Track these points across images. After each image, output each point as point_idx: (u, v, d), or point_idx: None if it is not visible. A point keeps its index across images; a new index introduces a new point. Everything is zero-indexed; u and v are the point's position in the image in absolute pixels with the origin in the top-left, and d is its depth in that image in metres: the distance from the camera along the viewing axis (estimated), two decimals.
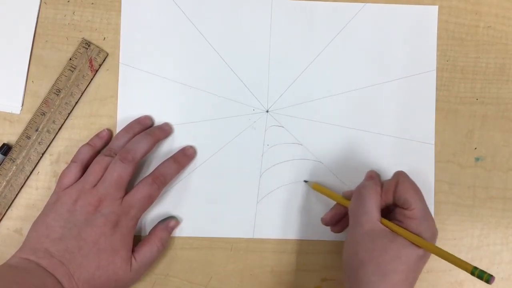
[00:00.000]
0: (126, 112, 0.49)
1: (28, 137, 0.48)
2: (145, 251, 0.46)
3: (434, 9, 0.51)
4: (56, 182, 0.46)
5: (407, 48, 0.51)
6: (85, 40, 0.49)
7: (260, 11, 0.50)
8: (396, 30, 0.51)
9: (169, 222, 0.48)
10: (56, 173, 0.49)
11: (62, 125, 0.49)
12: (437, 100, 0.51)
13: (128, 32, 0.50)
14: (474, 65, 0.51)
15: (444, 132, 0.50)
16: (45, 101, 0.49)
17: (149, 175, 0.46)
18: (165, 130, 0.49)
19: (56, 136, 0.49)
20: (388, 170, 0.49)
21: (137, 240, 0.47)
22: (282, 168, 0.50)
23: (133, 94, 0.50)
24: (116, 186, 0.44)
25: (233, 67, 0.50)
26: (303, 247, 0.49)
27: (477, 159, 0.50)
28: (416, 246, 0.40)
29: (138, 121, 0.49)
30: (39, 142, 0.49)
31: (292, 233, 0.49)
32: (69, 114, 0.49)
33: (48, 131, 0.49)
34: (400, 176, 0.44)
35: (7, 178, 0.48)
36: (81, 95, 0.49)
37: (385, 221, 0.42)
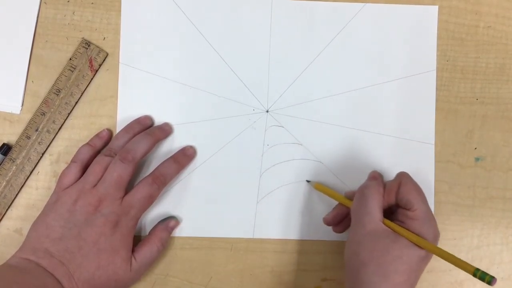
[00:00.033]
0: (126, 112, 0.49)
1: (28, 137, 0.48)
2: (145, 251, 0.46)
3: (434, 9, 0.51)
4: (56, 182, 0.46)
5: (407, 48, 0.51)
6: (85, 40, 0.49)
7: (260, 11, 0.50)
8: (396, 30, 0.51)
9: (169, 222, 0.48)
10: (56, 173, 0.49)
11: (62, 125, 0.49)
12: (437, 100, 0.51)
13: (128, 32, 0.50)
14: (474, 65, 0.51)
15: (444, 132, 0.50)
16: (45, 101, 0.49)
17: (149, 175, 0.46)
18: (165, 130, 0.49)
19: (56, 136, 0.49)
20: (388, 170, 0.49)
21: (137, 240, 0.47)
22: (282, 168, 0.50)
23: (133, 94, 0.50)
24: (116, 186, 0.44)
25: (233, 67, 0.50)
26: (303, 247, 0.49)
27: (477, 159, 0.50)
28: (418, 247, 0.40)
29: (138, 121, 0.49)
30: (39, 142, 0.49)
31: (292, 233, 0.49)
32: (69, 114, 0.49)
33: (48, 131, 0.49)
34: (403, 177, 0.44)
35: (7, 178, 0.48)
36: (81, 95, 0.49)
37: (387, 221, 0.42)
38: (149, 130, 0.48)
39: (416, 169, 0.49)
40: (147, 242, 0.46)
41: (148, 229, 0.48)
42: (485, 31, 0.51)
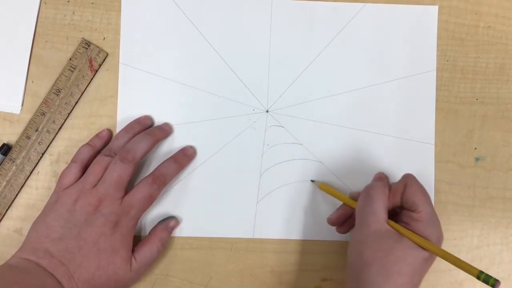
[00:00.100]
0: (126, 112, 0.49)
1: (28, 137, 0.48)
2: (145, 251, 0.46)
3: (434, 9, 0.51)
4: (56, 182, 0.46)
5: (407, 48, 0.51)
6: (85, 40, 0.49)
7: (260, 11, 0.50)
8: (396, 30, 0.51)
9: (169, 222, 0.48)
10: (56, 173, 0.49)
11: (62, 125, 0.49)
12: (437, 100, 0.51)
13: (128, 32, 0.50)
14: (474, 65, 0.51)
15: (444, 132, 0.50)
16: (45, 101, 0.49)
17: (149, 175, 0.46)
18: (165, 130, 0.49)
19: (56, 136, 0.49)
20: (388, 170, 0.49)
21: (137, 240, 0.47)
22: (282, 168, 0.50)
23: (133, 94, 0.50)
24: (116, 186, 0.44)
25: (233, 67, 0.50)
26: (303, 247, 0.49)
27: (477, 159, 0.50)
28: (421, 249, 0.40)
29: (138, 121, 0.49)
30: (39, 142, 0.49)
31: (292, 233, 0.49)
32: (69, 114, 0.49)
33: (48, 131, 0.49)
34: (409, 179, 0.44)
35: (7, 178, 0.48)
36: (81, 95, 0.49)
37: (392, 222, 0.42)
38: (149, 130, 0.48)
39: (416, 169, 0.49)
40: (147, 242, 0.46)
41: (148, 229, 0.48)
42: (485, 31, 0.51)
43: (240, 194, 0.50)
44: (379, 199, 0.42)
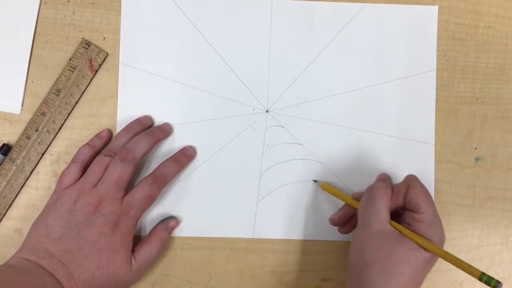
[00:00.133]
0: (126, 112, 0.49)
1: (28, 137, 0.48)
2: (145, 251, 0.46)
3: (434, 9, 0.51)
4: (56, 182, 0.46)
5: (407, 48, 0.51)
6: (85, 40, 0.49)
7: (260, 11, 0.50)
8: (396, 30, 0.51)
9: (169, 222, 0.48)
10: (56, 173, 0.49)
11: (62, 125, 0.49)
12: (437, 100, 0.51)
13: (128, 32, 0.50)
14: (474, 65, 0.51)
15: (444, 132, 0.50)
16: (45, 101, 0.49)
17: (149, 175, 0.46)
18: (165, 130, 0.49)
19: (56, 136, 0.49)
20: (388, 170, 0.49)
21: (137, 240, 0.47)
22: (282, 168, 0.50)
23: (133, 94, 0.50)
24: (116, 186, 0.44)
25: (233, 67, 0.50)
26: (303, 247, 0.49)
27: (477, 159, 0.50)
28: (424, 250, 0.40)
29: (138, 121, 0.49)
30: (39, 142, 0.49)
31: (292, 233, 0.49)
32: (69, 114, 0.49)
33: (48, 131, 0.49)
34: (412, 180, 0.44)
35: (7, 178, 0.48)
36: (81, 95, 0.49)
37: (394, 223, 0.42)
38: (149, 130, 0.48)
39: (416, 169, 0.49)
40: (147, 242, 0.46)
41: (148, 229, 0.48)
42: (485, 31, 0.51)
43: (240, 194, 0.50)
44: (382, 199, 0.42)
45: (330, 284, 0.49)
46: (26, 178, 0.48)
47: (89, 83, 0.49)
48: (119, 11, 0.50)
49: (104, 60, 0.50)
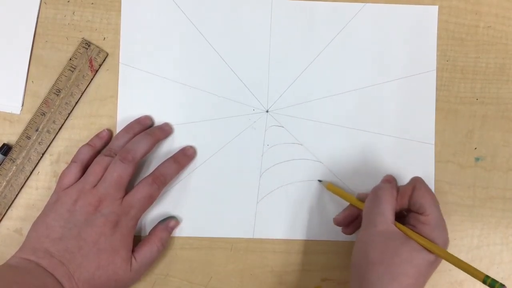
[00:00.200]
0: (126, 112, 0.49)
1: (28, 137, 0.48)
2: (145, 251, 0.46)
3: (434, 9, 0.51)
4: (56, 182, 0.46)
5: (407, 48, 0.51)
6: (85, 40, 0.49)
7: (260, 11, 0.50)
8: (396, 30, 0.51)
9: (169, 222, 0.48)
10: (56, 173, 0.49)
11: (62, 125, 0.49)
12: (437, 100, 0.51)
13: (128, 32, 0.50)
14: (474, 65, 0.51)
15: (444, 132, 0.50)
16: (45, 101, 0.49)
17: (149, 175, 0.46)
18: (165, 130, 0.49)
19: (56, 136, 0.49)
20: (388, 170, 0.49)
21: (137, 240, 0.47)
22: (282, 168, 0.50)
23: (133, 94, 0.50)
24: (116, 186, 0.44)
25: (233, 67, 0.50)
26: (303, 247, 0.49)
27: (477, 159, 0.50)
28: (427, 251, 0.40)
29: (138, 121, 0.49)
30: (39, 142, 0.49)
31: (292, 233, 0.49)
32: (69, 114, 0.49)
33: (48, 131, 0.49)
34: (417, 182, 0.43)
35: (7, 178, 0.48)
36: (81, 95, 0.49)
37: (399, 224, 0.42)
38: (149, 130, 0.48)
39: (416, 169, 0.49)
40: (147, 242, 0.46)
41: (148, 229, 0.48)
42: (485, 31, 0.51)
43: (240, 194, 0.50)
44: (387, 200, 0.42)
45: (330, 284, 0.49)
46: (26, 178, 0.48)
47: (89, 83, 0.49)
48: (119, 11, 0.50)
49: (104, 60, 0.50)
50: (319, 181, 0.49)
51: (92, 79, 0.49)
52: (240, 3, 0.50)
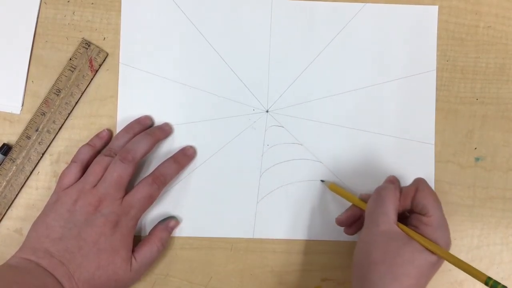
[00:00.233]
0: (126, 112, 0.49)
1: (28, 137, 0.48)
2: (145, 251, 0.46)
3: (434, 9, 0.51)
4: (56, 182, 0.46)
5: (407, 48, 0.51)
6: (85, 40, 0.49)
7: (260, 11, 0.50)
8: (396, 30, 0.51)
9: (169, 222, 0.48)
10: (56, 173, 0.49)
11: (62, 125, 0.49)
12: (437, 100, 0.51)
13: (128, 32, 0.50)
14: (474, 65, 0.51)
15: (444, 132, 0.50)
16: (45, 101, 0.49)
17: (149, 175, 0.46)
18: (165, 130, 0.49)
19: (56, 136, 0.49)
20: (388, 170, 0.49)
21: (137, 240, 0.47)
22: (282, 168, 0.50)
23: (133, 94, 0.50)
24: (116, 186, 0.44)
25: (233, 67, 0.50)
26: (303, 247, 0.49)
27: (477, 159, 0.50)
28: (430, 252, 0.40)
29: (138, 121, 0.49)
30: (39, 142, 0.49)
31: (292, 233, 0.49)
32: (69, 114, 0.49)
33: (48, 131, 0.49)
34: (420, 183, 0.43)
35: (7, 178, 0.48)
36: (81, 95, 0.49)
37: (401, 225, 0.42)
38: (149, 130, 0.48)
39: (416, 169, 0.49)
40: (147, 242, 0.46)
41: (148, 229, 0.48)
42: (485, 31, 0.51)
43: (240, 194, 0.50)
44: (390, 200, 0.42)
45: (330, 284, 0.49)
46: (26, 178, 0.48)
47: (89, 83, 0.49)
48: (119, 11, 0.50)
49: (104, 60, 0.50)
50: (322, 181, 0.49)
51: (92, 79, 0.49)
52: (240, 3, 0.50)
